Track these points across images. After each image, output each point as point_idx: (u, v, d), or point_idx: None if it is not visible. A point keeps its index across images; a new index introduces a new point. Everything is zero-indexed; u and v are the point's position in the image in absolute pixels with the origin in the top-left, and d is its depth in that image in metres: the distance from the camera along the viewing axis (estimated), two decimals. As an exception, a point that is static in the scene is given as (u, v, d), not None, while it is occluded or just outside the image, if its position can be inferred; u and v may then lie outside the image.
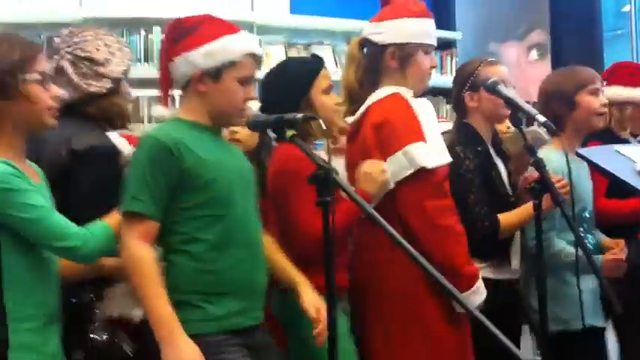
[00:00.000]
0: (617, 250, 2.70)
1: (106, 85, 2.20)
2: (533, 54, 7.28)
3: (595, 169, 2.16)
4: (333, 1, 5.69)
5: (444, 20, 6.41)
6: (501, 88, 2.10)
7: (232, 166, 2.02)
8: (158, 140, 1.93)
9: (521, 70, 7.02)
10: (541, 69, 7.16)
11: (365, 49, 2.39)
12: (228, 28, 2.05)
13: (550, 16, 7.37)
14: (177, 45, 1.99)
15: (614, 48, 9.63)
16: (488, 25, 6.95)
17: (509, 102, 2.05)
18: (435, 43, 2.38)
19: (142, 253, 1.87)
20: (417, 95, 2.40)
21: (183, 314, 1.88)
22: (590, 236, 2.74)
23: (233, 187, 1.99)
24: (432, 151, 2.16)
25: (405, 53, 2.30)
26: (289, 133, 1.72)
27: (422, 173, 2.13)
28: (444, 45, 6.05)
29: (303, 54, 5.29)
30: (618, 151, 2.27)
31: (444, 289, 1.36)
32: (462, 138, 2.54)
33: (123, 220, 1.91)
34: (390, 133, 2.20)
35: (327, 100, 2.33)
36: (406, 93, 2.25)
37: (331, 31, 5.51)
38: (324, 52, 5.33)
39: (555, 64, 7.33)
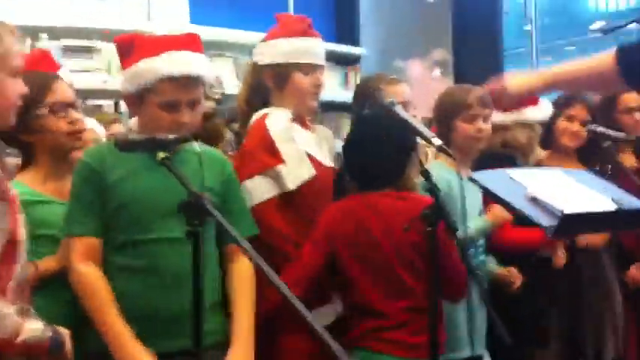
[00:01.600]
0: (513, 278, 2.72)
1: None
2: (437, 71, 7.35)
3: (487, 195, 2.09)
4: (234, 13, 5.55)
5: (349, 36, 6.39)
6: (398, 109, 2.00)
7: (156, 191, 1.88)
8: (83, 160, 1.98)
9: (426, 86, 7.07)
10: (444, 86, 7.24)
11: (252, 70, 2.33)
12: (154, 48, 1.93)
13: (452, 33, 7.48)
14: (120, 63, 2.06)
15: (515, 65, 9.94)
16: (392, 42, 6.97)
17: (406, 124, 1.96)
18: (318, 62, 2.27)
19: (86, 272, 1.90)
20: (306, 114, 2.30)
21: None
22: (482, 257, 2.72)
23: (150, 214, 1.91)
24: (260, 185, 2.07)
25: (279, 74, 2.21)
26: (161, 154, 1.56)
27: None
28: (349, 60, 6.02)
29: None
30: (510, 176, 2.20)
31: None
32: None
33: (67, 244, 1.94)
34: (241, 162, 2.16)
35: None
36: (277, 114, 2.13)
37: (232, 42, 5.35)
38: (225, 64, 5.18)
39: (458, 81, 7.44)
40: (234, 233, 1.44)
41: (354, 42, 6.36)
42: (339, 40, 6.35)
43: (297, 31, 2.24)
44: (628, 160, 3.28)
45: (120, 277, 1.93)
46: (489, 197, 2.12)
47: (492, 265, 2.80)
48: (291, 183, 2.07)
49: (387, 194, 2.18)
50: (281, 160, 2.06)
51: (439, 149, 1.86)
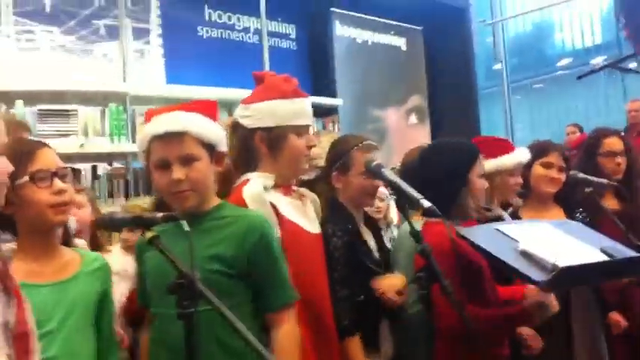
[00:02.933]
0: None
1: None
2: (413, 118, 7.42)
3: (477, 250, 2.06)
4: (210, 71, 5.58)
5: (325, 87, 6.44)
6: (385, 172, 1.98)
7: (163, 265, 1.90)
8: None
9: (402, 134, 7.13)
10: (421, 132, 7.31)
11: (237, 132, 2.22)
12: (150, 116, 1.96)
13: (427, 80, 7.59)
14: None
15: (487, 105, 10.07)
16: (368, 92, 7.04)
17: (393, 186, 1.94)
18: (310, 122, 2.24)
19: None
20: (297, 177, 2.26)
21: None
22: None
23: (155, 289, 1.90)
24: None
25: (273, 137, 2.13)
26: (149, 234, 1.52)
27: None
28: (326, 111, 6.05)
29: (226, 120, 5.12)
30: (499, 230, 2.18)
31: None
32: (331, 215, 2.46)
33: None
34: None
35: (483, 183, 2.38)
36: (256, 182, 2.07)
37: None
38: (203, 122, 5.17)
39: (434, 127, 7.53)
40: (228, 313, 1.39)
41: (331, 93, 6.40)
42: (316, 92, 6.40)
43: (287, 92, 2.17)
44: (610, 203, 3.30)
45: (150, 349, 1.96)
46: (479, 253, 2.09)
47: None
48: None
49: None
50: None
51: (426, 212, 1.84)
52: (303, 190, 2.27)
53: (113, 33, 5.34)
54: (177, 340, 1.76)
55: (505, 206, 3.12)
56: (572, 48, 10.85)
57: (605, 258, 2.09)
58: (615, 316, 3.05)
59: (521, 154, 3.06)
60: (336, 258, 2.27)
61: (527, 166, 3.12)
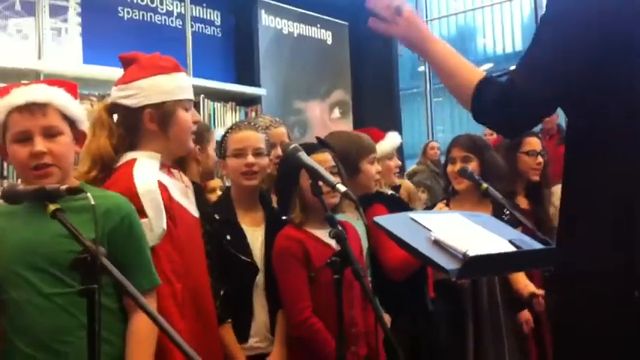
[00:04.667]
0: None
1: None
2: (336, 112, 7.45)
3: (391, 239, 2.08)
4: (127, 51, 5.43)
5: (249, 77, 6.38)
6: (302, 155, 1.96)
7: (21, 242, 1.76)
8: None
9: (325, 127, 7.14)
10: (343, 126, 7.34)
11: (115, 115, 2.11)
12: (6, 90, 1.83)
13: (351, 76, 7.63)
14: None
15: (410, 105, 10.24)
16: (292, 83, 7.02)
17: (310, 170, 1.92)
18: (192, 97, 2.18)
19: None
20: (184, 154, 2.19)
21: None
22: None
23: (13, 268, 1.76)
24: None
25: (163, 113, 2.06)
26: (51, 207, 1.44)
27: None
28: (249, 101, 6.00)
29: (97, 105, 4.96)
30: (413, 219, 2.20)
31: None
32: (217, 201, 2.56)
33: None
34: None
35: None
36: (146, 163, 2.00)
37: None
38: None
39: (356, 122, 7.58)
40: (132, 290, 1.34)
41: (254, 83, 6.35)
42: (239, 81, 6.34)
43: (168, 67, 2.10)
44: (521, 202, 3.39)
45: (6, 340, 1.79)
46: (394, 241, 2.10)
47: None
48: (152, 240, 1.93)
49: None
50: (144, 215, 1.92)
51: (343, 195, 1.84)
52: (174, 171, 2.19)
53: (29, 9, 5.12)
54: (45, 327, 1.70)
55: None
56: (493, 53, 11.13)
57: (514, 248, 2.14)
58: (525, 315, 3.14)
59: (394, 139, 3.19)
60: (206, 245, 2.24)
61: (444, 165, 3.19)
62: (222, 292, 2.27)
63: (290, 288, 2.32)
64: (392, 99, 8.04)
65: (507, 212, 3.07)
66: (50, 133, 1.80)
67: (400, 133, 7.77)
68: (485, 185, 2.89)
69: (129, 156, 2.04)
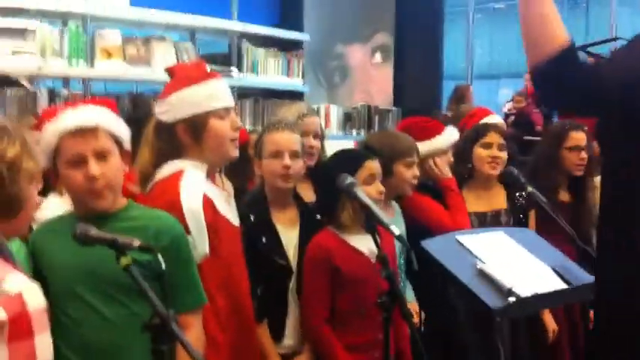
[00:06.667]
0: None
1: None
2: (377, 56, 7.34)
3: (435, 265, 2.11)
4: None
5: (293, 21, 6.29)
6: (360, 193, 1.99)
7: (76, 262, 1.83)
8: None
9: (366, 72, 7.08)
10: (384, 71, 7.27)
11: (160, 130, 2.14)
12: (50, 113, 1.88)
13: (395, 18, 7.46)
14: None
15: (450, 28, 10.07)
16: (334, 27, 6.90)
17: (365, 208, 1.95)
18: (230, 103, 2.18)
19: None
20: (226, 162, 2.22)
21: None
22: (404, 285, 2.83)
23: (72, 287, 1.83)
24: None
25: (195, 125, 2.08)
26: (124, 261, 1.49)
27: None
28: (291, 46, 5.93)
29: (142, 48, 4.95)
30: (460, 242, 2.23)
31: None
32: (249, 197, 2.57)
33: None
34: None
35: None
36: (193, 176, 2.03)
37: (172, 25, 5.18)
38: (166, 47, 5.02)
39: (398, 67, 7.48)
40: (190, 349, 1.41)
41: (298, 27, 6.26)
42: (283, 25, 6.25)
43: (197, 77, 2.11)
44: (562, 196, 3.39)
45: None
46: (438, 269, 2.14)
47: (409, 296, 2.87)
48: (199, 258, 1.99)
49: None
50: (188, 232, 1.97)
51: (397, 238, 1.88)
52: (224, 179, 2.24)
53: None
54: (102, 344, 1.78)
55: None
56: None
57: (559, 283, 2.17)
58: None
59: (451, 134, 3.13)
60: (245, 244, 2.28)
61: (469, 148, 3.16)
62: (258, 292, 2.35)
63: (309, 295, 2.39)
64: (436, 44, 7.87)
65: (521, 195, 3.07)
66: (102, 155, 1.84)
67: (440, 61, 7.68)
68: (530, 189, 2.89)
69: (175, 165, 2.09)
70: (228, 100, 2.19)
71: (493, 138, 3.14)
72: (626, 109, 1.68)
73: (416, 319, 2.82)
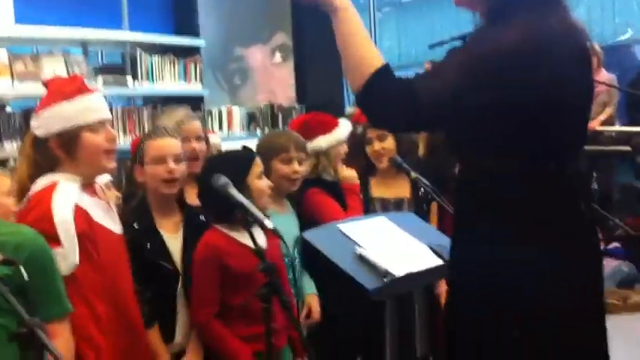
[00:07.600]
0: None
1: None
2: (278, 56, 7.39)
3: (318, 256, 2.18)
4: (64, 10, 5.28)
5: (188, 27, 6.27)
6: (233, 192, 2.04)
7: None
8: None
9: (267, 72, 7.11)
10: (285, 70, 7.32)
11: (35, 145, 2.16)
12: None
13: (292, 17, 7.52)
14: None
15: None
16: (232, 30, 6.91)
17: (240, 207, 2.01)
18: (105, 116, 2.20)
19: None
20: (97, 175, 2.24)
21: None
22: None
23: None
24: None
25: (67, 140, 2.12)
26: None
27: None
28: (188, 52, 5.92)
29: (31, 65, 4.86)
30: (341, 231, 2.31)
31: None
32: (133, 205, 2.55)
33: None
34: None
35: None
36: (66, 189, 2.05)
37: (62, 39, 5.10)
38: (56, 61, 4.94)
39: (299, 65, 7.54)
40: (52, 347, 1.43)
41: (194, 33, 6.24)
42: (178, 31, 6.22)
43: (68, 92, 2.14)
44: None
45: None
46: (322, 259, 2.21)
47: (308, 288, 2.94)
48: (66, 269, 2.02)
49: None
50: (59, 243, 1.99)
51: (273, 232, 1.93)
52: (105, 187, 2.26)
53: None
54: None
55: None
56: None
57: (435, 260, 2.28)
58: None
59: (346, 125, 3.25)
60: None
61: (361, 146, 3.27)
62: (148, 296, 2.38)
63: (196, 293, 2.42)
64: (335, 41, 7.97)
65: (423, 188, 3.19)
66: None
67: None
68: (414, 175, 3.00)
69: (49, 178, 2.11)
70: (102, 113, 2.21)
71: (374, 132, 3.25)
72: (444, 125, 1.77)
73: (316, 310, 2.90)
